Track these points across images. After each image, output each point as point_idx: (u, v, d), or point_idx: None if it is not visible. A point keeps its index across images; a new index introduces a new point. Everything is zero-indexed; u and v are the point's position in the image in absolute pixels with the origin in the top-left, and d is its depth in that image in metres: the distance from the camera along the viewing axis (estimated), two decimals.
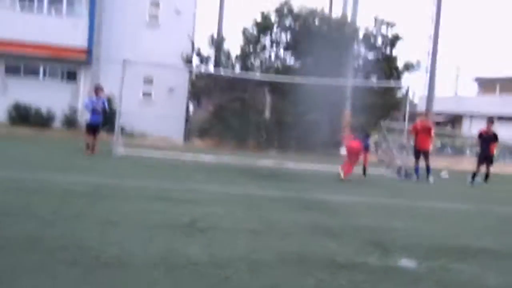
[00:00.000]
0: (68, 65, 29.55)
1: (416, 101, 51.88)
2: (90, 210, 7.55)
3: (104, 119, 18.16)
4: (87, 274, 4.58)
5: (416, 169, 18.51)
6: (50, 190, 9.12)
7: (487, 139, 18.47)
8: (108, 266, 4.84)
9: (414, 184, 17.29)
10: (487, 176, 18.54)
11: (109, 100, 20.45)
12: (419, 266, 5.93)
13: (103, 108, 17.86)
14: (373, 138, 30.85)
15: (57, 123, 28.36)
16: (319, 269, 5.41)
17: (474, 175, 18.58)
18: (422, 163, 18.40)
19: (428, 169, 18.28)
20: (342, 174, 15.87)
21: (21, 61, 29.09)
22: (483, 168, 18.56)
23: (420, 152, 18.60)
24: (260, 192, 11.53)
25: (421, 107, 41.57)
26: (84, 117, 18.70)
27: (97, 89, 18.32)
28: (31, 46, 27.87)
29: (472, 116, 48.70)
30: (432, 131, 18.92)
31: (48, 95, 28.45)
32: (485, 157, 18.50)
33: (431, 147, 19.17)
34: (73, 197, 8.53)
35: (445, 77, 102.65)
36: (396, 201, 12.29)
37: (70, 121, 28.10)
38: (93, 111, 17.74)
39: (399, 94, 31.34)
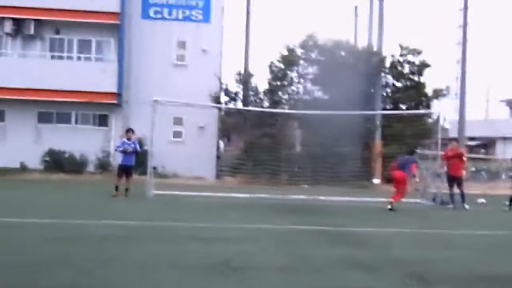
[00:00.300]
0: (99, 109, 29.99)
1: (447, 126, 51.47)
2: (126, 254, 7.58)
3: (136, 161, 18.30)
4: None
5: (451, 196, 18.28)
6: (85, 236, 9.18)
7: None
8: None
9: (450, 212, 17.04)
10: None
11: (140, 142, 20.62)
12: None
13: (134, 150, 18.02)
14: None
15: (91, 167, 28.69)
16: None
17: (511, 200, 18.26)
18: (457, 190, 18.17)
19: (462, 195, 18.05)
20: (391, 205, 16.27)
21: (53, 108, 29.63)
22: None
23: (453, 179, 18.40)
24: (292, 227, 11.46)
25: (453, 132, 41.17)
26: (116, 160, 18.86)
27: (128, 132, 18.53)
28: (62, 93, 28.40)
29: (505, 138, 48.08)
30: (464, 157, 18.73)
31: (81, 140, 28.86)
32: None
33: (464, 173, 18.95)
34: (108, 242, 8.59)
35: (476, 101, 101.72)
36: (432, 230, 12.11)
37: (103, 165, 28.43)
38: (125, 153, 17.92)
39: (430, 120, 31.13)
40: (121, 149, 18.02)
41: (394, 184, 17.32)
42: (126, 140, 18.23)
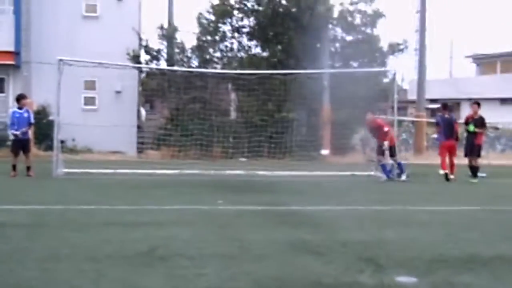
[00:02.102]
0: None
1: (405, 86, 52.36)
2: (30, 244, 7.50)
3: (40, 133, 18.11)
4: None
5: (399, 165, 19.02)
6: None
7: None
8: None
9: (408, 184, 17.44)
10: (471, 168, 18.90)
11: (43, 111, 20.31)
12: (419, 282, 6.01)
13: (28, 121, 17.81)
14: (359, 135, 31.17)
15: None
16: None
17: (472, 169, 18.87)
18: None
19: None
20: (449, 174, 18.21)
21: None
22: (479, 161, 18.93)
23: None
24: (229, 208, 11.56)
25: (412, 93, 41.94)
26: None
27: (20, 99, 18.24)
28: None
29: (471, 100, 49.27)
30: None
31: None
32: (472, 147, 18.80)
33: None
34: (10, 231, 8.46)
35: (438, 57, 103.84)
36: (388, 207, 12.40)
37: (0, 139, 27.80)
38: (18, 125, 17.68)
39: (386, 80, 31.59)
40: (14, 121, 17.82)
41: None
42: (17, 110, 17.99)
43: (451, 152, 19.09)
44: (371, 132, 19.86)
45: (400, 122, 23.15)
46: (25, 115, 17.85)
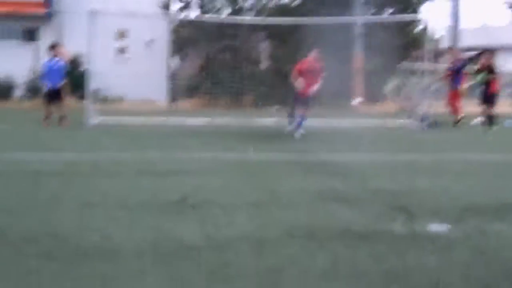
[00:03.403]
0: (26, 21, 29.34)
1: (438, 35, 51.54)
2: (64, 192, 7.59)
3: (73, 83, 18.16)
4: (65, 268, 4.61)
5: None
6: (14, 173, 9.14)
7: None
8: (88, 258, 4.88)
9: (441, 134, 17.30)
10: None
11: (75, 61, 20.33)
12: (451, 230, 5.98)
13: (62, 70, 17.86)
14: (391, 83, 30.89)
15: (18, 92, 28.29)
16: (333, 242, 5.45)
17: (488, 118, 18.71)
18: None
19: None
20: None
21: None
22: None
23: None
24: (260, 157, 11.57)
25: (445, 41, 41.31)
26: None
27: (53, 48, 18.29)
28: None
29: (506, 49, 48.39)
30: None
31: (5, 59, 28.29)
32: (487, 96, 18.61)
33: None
34: (45, 179, 8.56)
35: (472, 4, 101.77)
36: (421, 156, 12.32)
37: (34, 89, 27.96)
38: (51, 75, 17.75)
39: (419, 28, 31.16)
40: (46, 71, 17.92)
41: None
42: (50, 59, 18.06)
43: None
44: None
45: (433, 71, 22.83)
46: (58, 64, 17.90)
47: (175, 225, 5.97)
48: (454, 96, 19.43)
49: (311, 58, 15.99)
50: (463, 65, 20.06)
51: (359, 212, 6.69)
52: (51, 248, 5.10)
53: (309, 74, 15.82)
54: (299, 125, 15.94)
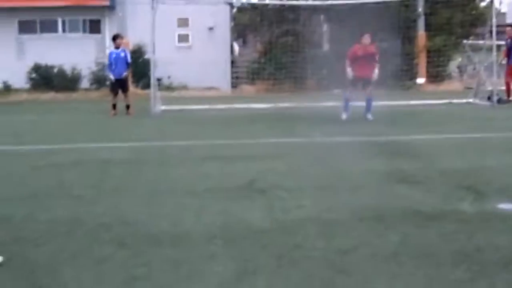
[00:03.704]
0: (89, 13, 29.79)
1: (504, 10, 50.40)
2: (133, 180, 7.73)
3: (136, 72, 18.40)
4: (137, 254, 4.72)
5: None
6: (85, 163, 9.33)
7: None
8: (159, 244, 4.98)
9: (509, 110, 16.96)
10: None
11: (138, 50, 20.50)
12: None
13: (125, 61, 18.10)
14: (455, 62, 30.34)
15: (85, 83, 28.75)
16: (403, 223, 5.45)
17: None
18: None
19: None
20: None
21: (36, 15, 29.45)
22: None
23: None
24: (326, 140, 11.55)
25: (511, 17, 40.40)
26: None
27: (116, 39, 18.55)
28: None
29: None
30: None
31: (71, 51, 28.73)
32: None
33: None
34: (112, 168, 8.74)
35: None
36: (488, 134, 12.11)
37: (99, 79, 28.37)
38: (115, 65, 18.01)
39: (483, 4, 30.51)
40: (110, 61, 18.20)
41: None
42: (114, 50, 18.32)
43: None
44: None
45: (499, 47, 22.35)
46: (122, 54, 18.15)
47: (243, 210, 6.03)
48: (508, 73, 19.18)
49: (363, 44, 15.65)
50: None
51: (428, 192, 6.64)
52: (124, 235, 5.22)
53: (363, 60, 15.49)
54: (345, 108, 15.40)
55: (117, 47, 18.27)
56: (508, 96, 18.91)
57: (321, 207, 6.10)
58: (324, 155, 9.63)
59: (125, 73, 18.08)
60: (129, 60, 18.41)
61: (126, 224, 5.56)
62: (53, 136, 13.24)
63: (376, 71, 15.05)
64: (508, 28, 20.74)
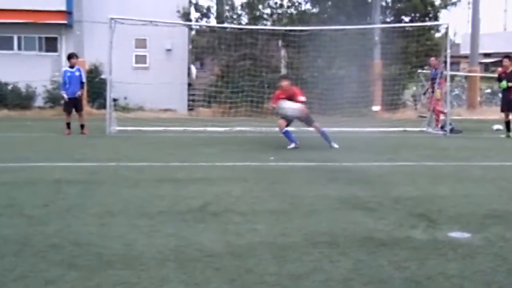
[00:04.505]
0: (46, 31, 29.57)
1: (458, 41, 51.45)
2: (86, 200, 7.64)
3: (93, 92, 18.30)
4: (87, 276, 4.66)
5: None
6: (37, 182, 9.21)
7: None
8: (111, 265, 4.93)
9: (462, 141, 17.22)
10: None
11: (95, 69, 20.38)
12: (473, 237, 5.98)
13: (80, 80, 18.00)
14: (410, 91, 30.78)
15: (39, 101, 28.47)
16: (355, 250, 5.47)
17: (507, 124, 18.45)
18: None
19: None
20: None
21: None
22: None
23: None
24: (281, 164, 11.59)
25: (465, 47, 41.19)
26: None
27: (71, 58, 18.44)
28: (1, 12, 27.87)
29: None
30: None
31: (26, 69, 28.50)
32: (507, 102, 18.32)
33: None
34: (64, 187, 8.63)
35: (492, 11, 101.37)
36: (441, 163, 12.27)
37: (54, 98, 28.13)
38: (69, 84, 17.89)
39: (438, 35, 31.08)
40: (65, 80, 18.10)
41: None
42: (68, 69, 18.22)
43: None
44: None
45: (452, 77, 22.73)
46: (77, 74, 18.03)
47: (196, 233, 6.00)
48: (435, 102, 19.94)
49: (284, 87, 15.54)
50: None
51: (381, 219, 6.69)
52: (74, 256, 5.16)
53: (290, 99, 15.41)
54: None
55: (71, 66, 18.15)
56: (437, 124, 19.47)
57: (275, 231, 6.10)
58: (279, 179, 9.65)
59: (78, 92, 17.96)
60: (84, 79, 18.29)
61: (77, 245, 5.49)
62: (4, 153, 13.05)
63: (301, 108, 14.88)
64: (432, 59, 21.28)
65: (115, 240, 5.69)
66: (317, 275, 4.74)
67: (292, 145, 14.54)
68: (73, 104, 17.91)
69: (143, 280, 4.58)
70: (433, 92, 20.50)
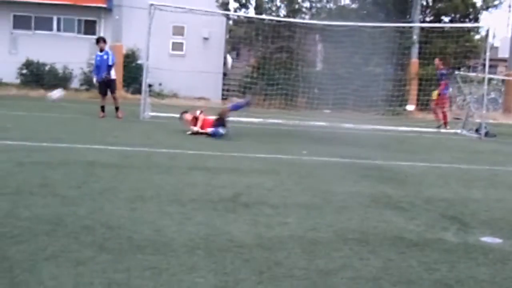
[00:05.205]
0: (85, 14, 29.79)
1: (496, 44, 50.84)
2: (118, 184, 7.68)
3: (128, 77, 18.42)
4: (117, 259, 4.68)
5: None
6: (70, 163, 9.27)
7: None
8: (141, 250, 4.94)
9: (496, 144, 17.06)
10: None
11: (132, 54, 20.45)
12: (504, 243, 5.91)
13: (107, 63, 18.07)
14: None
15: (75, 83, 28.73)
16: (385, 248, 5.43)
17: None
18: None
19: None
20: None
21: (31, 11, 29.41)
22: None
23: None
24: (313, 159, 11.56)
25: (503, 51, 40.71)
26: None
27: (99, 42, 18.54)
28: None
29: None
30: None
31: (64, 50, 28.77)
32: None
33: None
34: (97, 170, 8.68)
35: None
36: (474, 166, 12.16)
37: (90, 81, 28.38)
38: (99, 68, 18.02)
39: (477, 37, 30.79)
40: (96, 64, 18.28)
41: None
42: (98, 53, 18.32)
43: None
44: None
45: (489, 80, 22.50)
46: (105, 57, 18.09)
47: (226, 223, 6.00)
48: (439, 103, 20.09)
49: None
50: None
51: (412, 219, 6.64)
52: (105, 239, 5.18)
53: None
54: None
55: (101, 50, 18.23)
56: (446, 124, 19.52)
57: (305, 225, 6.08)
58: (311, 173, 9.63)
59: (103, 75, 18.00)
60: (110, 62, 18.28)
61: (109, 228, 5.52)
62: (40, 133, 13.17)
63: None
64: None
65: (146, 225, 5.71)
66: (346, 272, 4.72)
67: None
68: (106, 86, 18.05)
69: (172, 266, 4.59)
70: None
